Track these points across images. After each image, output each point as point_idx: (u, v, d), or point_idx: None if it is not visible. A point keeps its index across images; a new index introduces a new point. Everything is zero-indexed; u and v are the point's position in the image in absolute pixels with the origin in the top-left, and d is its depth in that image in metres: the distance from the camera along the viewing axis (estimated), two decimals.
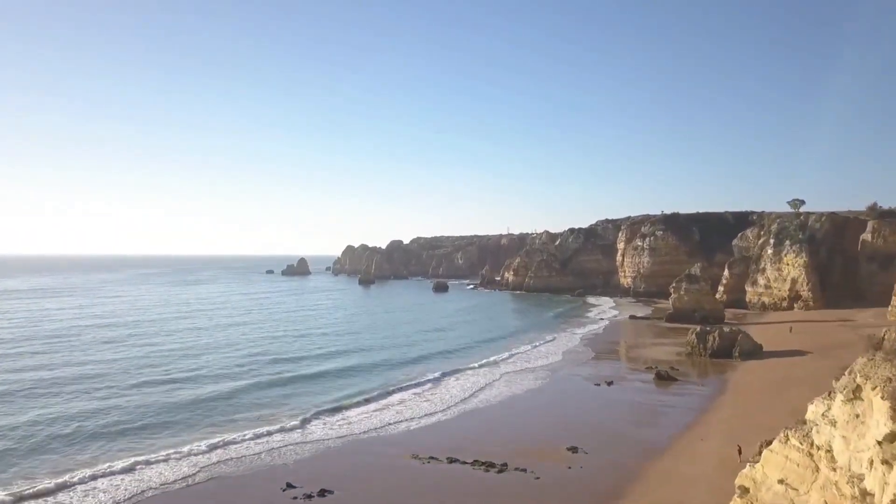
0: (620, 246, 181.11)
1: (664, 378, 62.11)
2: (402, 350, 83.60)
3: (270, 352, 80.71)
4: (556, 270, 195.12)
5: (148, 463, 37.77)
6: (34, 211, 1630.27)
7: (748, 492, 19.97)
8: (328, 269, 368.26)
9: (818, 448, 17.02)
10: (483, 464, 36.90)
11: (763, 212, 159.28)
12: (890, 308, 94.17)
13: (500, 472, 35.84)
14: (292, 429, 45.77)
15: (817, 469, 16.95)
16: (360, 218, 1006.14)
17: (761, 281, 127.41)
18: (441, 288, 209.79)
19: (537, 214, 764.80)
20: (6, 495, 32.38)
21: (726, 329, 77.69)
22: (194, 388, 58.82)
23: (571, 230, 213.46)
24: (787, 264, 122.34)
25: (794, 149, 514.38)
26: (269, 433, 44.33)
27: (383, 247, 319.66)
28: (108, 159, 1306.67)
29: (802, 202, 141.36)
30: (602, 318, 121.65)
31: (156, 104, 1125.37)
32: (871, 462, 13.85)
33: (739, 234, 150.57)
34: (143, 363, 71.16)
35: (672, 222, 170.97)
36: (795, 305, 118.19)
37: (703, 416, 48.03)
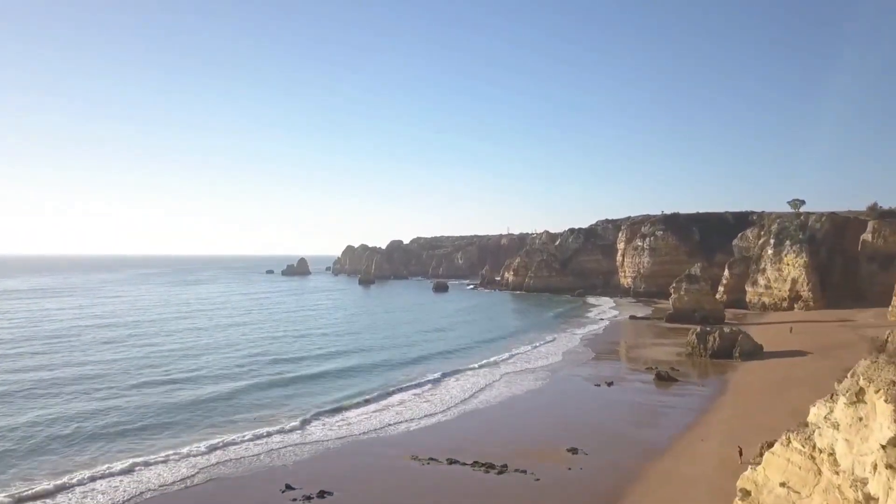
0: (620, 246, 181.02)
1: (664, 378, 62.01)
2: (402, 350, 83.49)
3: (270, 352, 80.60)
4: (556, 270, 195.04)
5: (147, 464, 37.67)
6: (34, 211, 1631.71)
7: (749, 494, 19.86)
8: (328, 269, 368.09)
9: (820, 451, 16.90)
10: (483, 465, 36.79)
11: (763, 212, 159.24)
12: (890, 308, 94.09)
13: (499, 473, 35.74)
14: (292, 430, 45.65)
15: (819, 472, 16.83)
16: (360, 218, 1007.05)
17: (761, 281, 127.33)
18: (441, 288, 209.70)
19: (537, 214, 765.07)
20: (5, 497, 32.28)
21: (726, 329, 77.57)
22: (194, 389, 58.71)
23: (571, 230, 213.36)
24: (788, 264, 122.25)
25: (794, 149, 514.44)
26: (269, 434, 44.21)
27: (383, 247, 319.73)
28: (108, 159, 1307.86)
29: (802, 202, 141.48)
30: (602, 319, 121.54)
31: (156, 104, 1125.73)
32: (875, 466, 13.73)
33: (739, 235, 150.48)
34: (143, 363, 71.06)
35: (672, 222, 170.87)
36: (796, 306, 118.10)
37: (703, 417, 47.93)
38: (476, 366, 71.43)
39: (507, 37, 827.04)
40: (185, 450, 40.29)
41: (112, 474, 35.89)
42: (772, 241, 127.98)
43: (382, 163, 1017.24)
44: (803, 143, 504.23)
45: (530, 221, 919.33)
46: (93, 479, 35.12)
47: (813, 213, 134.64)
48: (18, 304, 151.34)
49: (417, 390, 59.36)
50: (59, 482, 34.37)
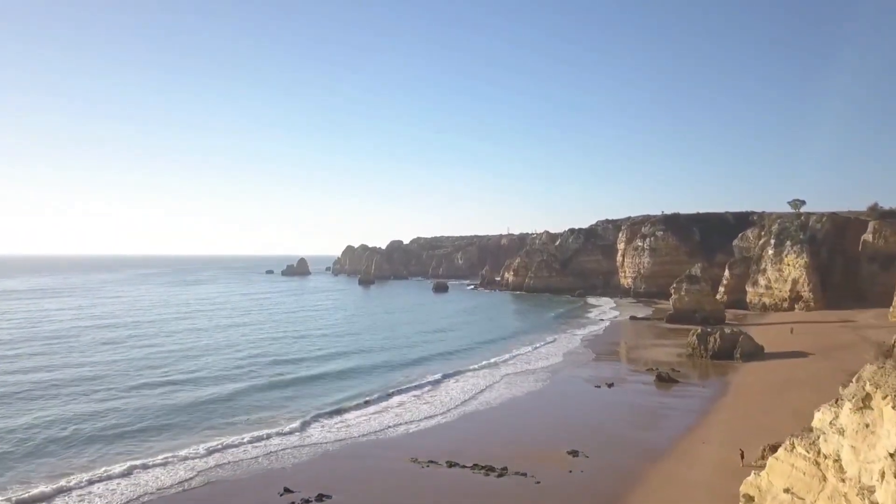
0: (620, 246, 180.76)
1: (665, 380, 61.79)
2: (401, 351, 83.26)
3: (270, 353, 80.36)
4: (556, 271, 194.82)
5: (145, 467, 37.43)
6: (34, 211, 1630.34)
7: (753, 500, 19.64)
8: (328, 269, 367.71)
9: (825, 457, 16.67)
10: (483, 467, 36.55)
11: (763, 212, 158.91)
12: (891, 309, 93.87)
13: (499, 476, 35.50)
14: (291, 432, 45.42)
15: (825, 478, 16.60)
16: (360, 218, 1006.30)
17: (762, 281, 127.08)
18: (441, 288, 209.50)
19: (537, 214, 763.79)
20: (2, 500, 32.06)
21: (727, 330, 77.33)
22: (193, 391, 58.48)
23: (571, 230, 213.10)
24: (788, 265, 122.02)
25: (794, 149, 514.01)
26: (268, 436, 43.95)
27: (383, 247, 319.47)
28: (108, 159, 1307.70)
29: (803, 202, 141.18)
30: (602, 319, 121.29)
31: (156, 104, 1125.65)
32: (883, 475, 13.48)
33: (740, 235, 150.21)
34: (143, 364, 70.83)
35: (672, 222, 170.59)
36: (796, 306, 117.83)
37: (704, 419, 47.69)
38: (476, 367, 71.20)
39: (507, 37, 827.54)
40: (183, 452, 40.06)
41: (110, 477, 35.66)
42: (772, 241, 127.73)
43: (382, 163, 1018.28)
44: (803, 143, 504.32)
45: (530, 221, 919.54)
46: (90, 482, 34.89)
47: (813, 214, 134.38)
48: (18, 304, 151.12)
49: (417, 392, 59.13)
50: (56, 485, 34.14)
